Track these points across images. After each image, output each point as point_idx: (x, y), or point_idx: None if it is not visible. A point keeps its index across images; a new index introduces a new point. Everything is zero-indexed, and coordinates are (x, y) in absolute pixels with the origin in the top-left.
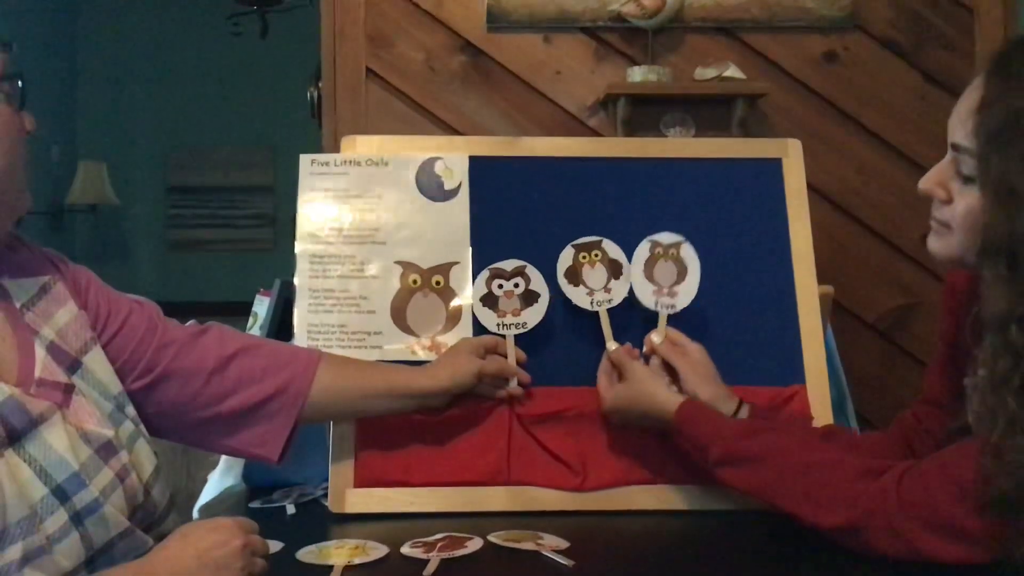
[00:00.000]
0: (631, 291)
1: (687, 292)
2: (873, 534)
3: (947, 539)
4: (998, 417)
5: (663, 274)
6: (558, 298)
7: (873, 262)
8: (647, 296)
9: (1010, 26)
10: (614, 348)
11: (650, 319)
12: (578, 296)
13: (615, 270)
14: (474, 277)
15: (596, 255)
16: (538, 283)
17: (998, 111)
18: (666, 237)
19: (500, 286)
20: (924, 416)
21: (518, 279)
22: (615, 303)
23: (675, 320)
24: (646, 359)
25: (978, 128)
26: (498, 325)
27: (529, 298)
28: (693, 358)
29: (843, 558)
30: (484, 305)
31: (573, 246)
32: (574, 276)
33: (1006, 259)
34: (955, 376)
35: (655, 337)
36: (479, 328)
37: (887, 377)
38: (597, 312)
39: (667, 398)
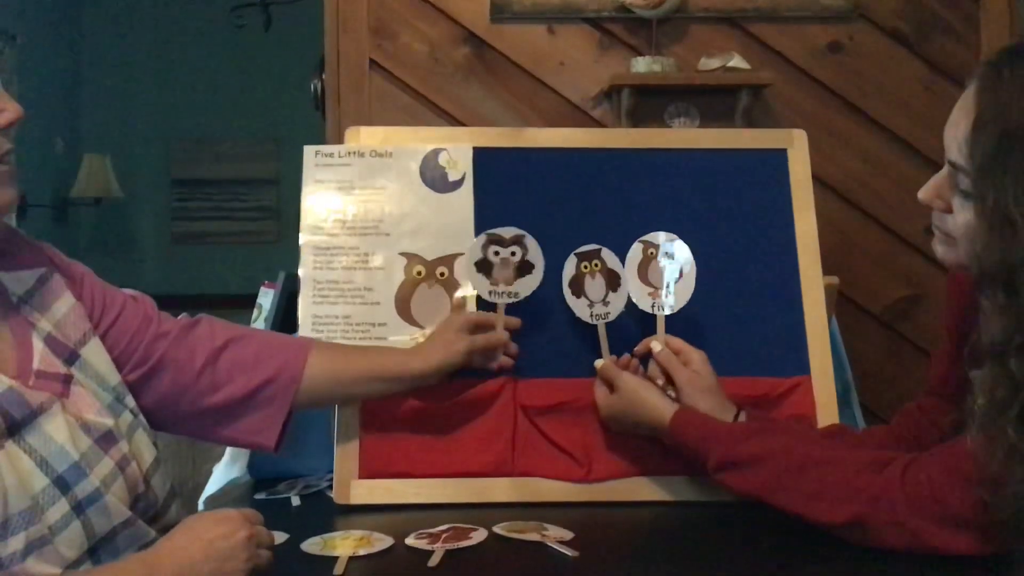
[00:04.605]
0: (628, 296)
1: (683, 292)
2: (878, 528)
3: (953, 530)
4: (997, 446)
5: (657, 275)
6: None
7: (878, 253)
8: (643, 299)
9: (1015, 15)
10: (600, 364)
11: (648, 324)
12: (580, 308)
13: (612, 282)
14: None
15: (596, 265)
16: (535, 254)
17: (991, 134)
18: (658, 236)
19: (496, 253)
20: (929, 407)
21: (515, 247)
22: (612, 317)
23: (679, 314)
24: (642, 360)
25: (972, 151)
26: (490, 293)
27: (524, 268)
28: (693, 367)
29: (846, 546)
30: (478, 271)
31: (576, 255)
32: (577, 286)
33: (1003, 287)
34: (960, 367)
35: (655, 345)
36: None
37: (892, 368)
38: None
39: (661, 407)
